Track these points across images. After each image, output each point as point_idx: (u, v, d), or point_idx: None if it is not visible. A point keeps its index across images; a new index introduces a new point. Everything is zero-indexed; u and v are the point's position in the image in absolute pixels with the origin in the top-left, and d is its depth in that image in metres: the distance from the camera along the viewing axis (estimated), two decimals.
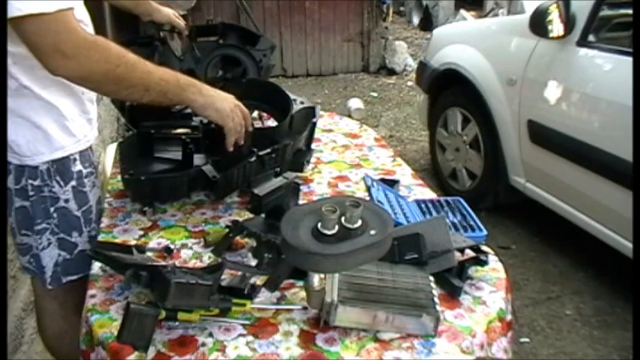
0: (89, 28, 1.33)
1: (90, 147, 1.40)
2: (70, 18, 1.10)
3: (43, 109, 1.26)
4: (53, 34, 1.08)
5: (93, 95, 1.42)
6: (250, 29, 2.24)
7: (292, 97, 1.65)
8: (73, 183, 1.34)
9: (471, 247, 1.24)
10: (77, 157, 1.34)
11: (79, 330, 1.16)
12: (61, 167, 1.31)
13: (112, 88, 1.21)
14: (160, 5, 1.92)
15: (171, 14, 1.92)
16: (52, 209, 1.32)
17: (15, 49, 1.17)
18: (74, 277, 1.38)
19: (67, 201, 1.34)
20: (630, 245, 2.26)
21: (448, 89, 3.50)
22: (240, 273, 1.13)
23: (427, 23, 8.63)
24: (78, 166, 1.34)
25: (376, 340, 1.02)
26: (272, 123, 1.77)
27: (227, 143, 1.34)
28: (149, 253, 1.29)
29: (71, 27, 1.10)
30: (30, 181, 1.29)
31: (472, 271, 1.21)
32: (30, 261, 1.38)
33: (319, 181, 1.67)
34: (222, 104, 1.30)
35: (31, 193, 1.30)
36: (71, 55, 1.09)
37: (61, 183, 1.32)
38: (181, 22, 1.96)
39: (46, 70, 1.12)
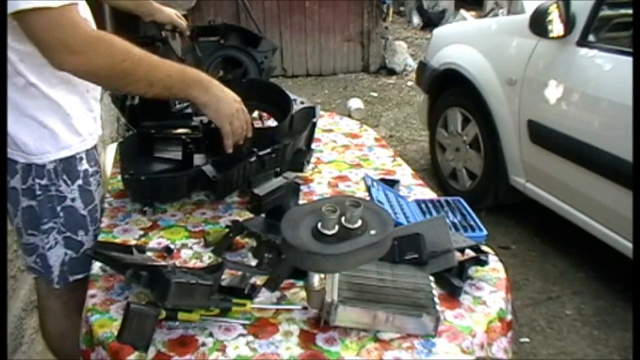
0: (92, 27, 1.33)
1: (95, 146, 1.41)
2: (74, 13, 1.10)
3: (49, 108, 1.26)
4: (59, 28, 1.07)
5: (97, 93, 1.42)
6: (251, 30, 2.23)
7: (292, 97, 1.64)
8: (80, 182, 1.35)
9: (471, 247, 1.24)
10: (83, 155, 1.35)
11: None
12: (67, 166, 1.32)
13: (118, 83, 1.21)
14: (161, 5, 1.92)
15: (173, 14, 1.93)
16: (58, 208, 1.33)
17: (22, 46, 1.17)
18: (81, 276, 1.38)
19: (73, 200, 1.34)
20: (630, 245, 2.26)
21: (448, 89, 3.50)
22: (240, 273, 1.13)
23: (423, 20, 8.63)
24: (84, 165, 1.35)
25: (376, 340, 1.02)
26: (272, 123, 1.77)
27: (224, 145, 1.34)
28: (149, 253, 1.29)
29: (76, 22, 1.10)
30: (37, 181, 1.30)
31: (472, 271, 1.21)
32: (36, 261, 1.38)
33: (319, 181, 1.67)
34: (224, 105, 1.30)
35: (38, 193, 1.30)
36: (78, 51, 1.09)
37: (68, 182, 1.32)
38: (183, 22, 1.96)
39: (51, 65, 1.11)
